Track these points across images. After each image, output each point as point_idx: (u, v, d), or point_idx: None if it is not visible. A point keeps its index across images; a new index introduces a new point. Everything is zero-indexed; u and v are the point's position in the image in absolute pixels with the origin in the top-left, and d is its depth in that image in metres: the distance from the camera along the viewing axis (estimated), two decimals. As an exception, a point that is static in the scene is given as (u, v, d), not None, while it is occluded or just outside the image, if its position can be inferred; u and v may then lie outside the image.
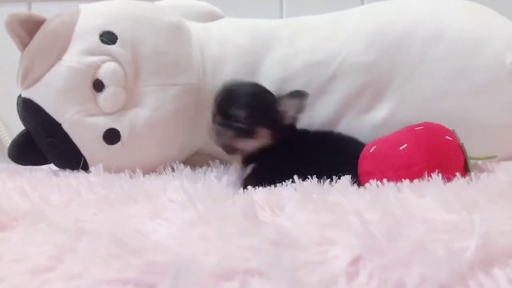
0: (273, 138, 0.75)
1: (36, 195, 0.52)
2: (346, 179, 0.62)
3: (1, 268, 0.30)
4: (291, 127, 0.78)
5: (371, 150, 0.68)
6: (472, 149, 0.71)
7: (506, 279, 0.24)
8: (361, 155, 0.70)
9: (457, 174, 0.63)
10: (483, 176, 0.59)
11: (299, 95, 0.76)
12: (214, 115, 0.75)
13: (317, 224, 0.33)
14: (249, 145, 0.74)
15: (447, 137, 0.67)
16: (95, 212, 0.45)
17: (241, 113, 0.72)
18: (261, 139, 0.74)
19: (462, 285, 0.24)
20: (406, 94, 0.91)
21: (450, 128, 0.70)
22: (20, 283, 0.28)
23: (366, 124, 0.93)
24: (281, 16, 1.32)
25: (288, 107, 0.75)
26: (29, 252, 0.31)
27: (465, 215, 0.31)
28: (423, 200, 0.38)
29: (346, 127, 0.94)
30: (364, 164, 0.69)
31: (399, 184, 0.49)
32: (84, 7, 0.94)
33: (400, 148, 0.65)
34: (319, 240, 0.30)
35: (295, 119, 0.78)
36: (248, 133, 0.73)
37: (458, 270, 0.24)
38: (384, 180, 0.54)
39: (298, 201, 0.44)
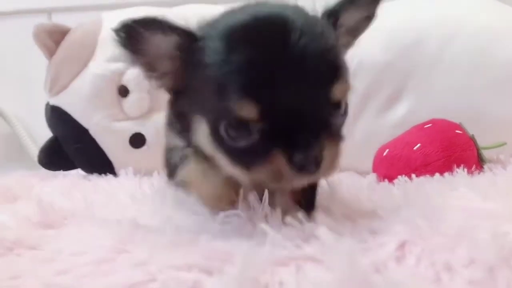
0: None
1: (78, 196, 0.54)
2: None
3: (63, 260, 0.32)
4: None
5: (384, 154, 0.70)
6: (491, 142, 0.73)
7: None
8: (375, 159, 0.71)
9: (473, 167, 0.64)
10: (499, 167, 0.61)
11: None
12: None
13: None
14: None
15: (457, 131, 0.68)
16: (136, 208, 0.47)
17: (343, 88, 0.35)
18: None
19: (508, 267, 0.25)
20: (424, 93, 0.92)
21: (457, 122, 0.70)
22: (85, 274, 0.30)
23: (385, 123, 0.94)
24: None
25: (344, 28, 0.40)
26: (88, 246, 0.33)
27: (501, 202, 0.32)
28: (457, 192, 0.40)
29: (365, 127, 0.95)
30: (380, 168, 0.70)
31: (427, 179, 0.50)
32: (106, 15, 0.97)
33: (415, 148, 0.66)
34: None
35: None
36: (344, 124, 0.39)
37: (503, 252, 0.26)
38: (413, 175, 0.55)
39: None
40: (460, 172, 0.58)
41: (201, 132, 0.35)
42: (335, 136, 0.34)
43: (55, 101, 0.91)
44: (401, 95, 0.93)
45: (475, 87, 0.90)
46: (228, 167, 0.35)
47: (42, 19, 1.34)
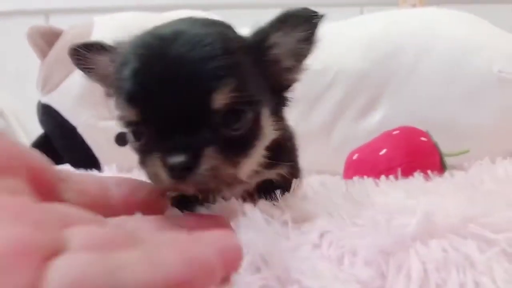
0: (278, 129, 0.41)
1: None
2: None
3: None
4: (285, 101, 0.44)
5: (354, 158, 0.74)
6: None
7: (440, 249, 0.30)
8: (345, 162, 0.75)
9: (435, 172, 0.67)
10: (460, 173, 0.65)
11: (303, 17, 0.39)
12: (141, 127, 0.36)
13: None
14: (255, 160, 0.39)
15: (422, 138, 0.72)
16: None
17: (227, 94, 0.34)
18: (267, 137, 0.39)
19: (402, 251, 0.29)
20: (400, 101, 0.97)
21: (424, 130, 0.74)
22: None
23: (361, 129, 0.98)
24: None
25: (283, 50, 0.40)
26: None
27: (423, 200, 0.36)
28: (393, 191, 0.44)
29: (342, 132, 1.00)
30: (348, 170, 0.74)
31: (374, 181, 0.54)
32: (97, 19, 1.01)
33: (380, 153, 0.70)
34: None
35: (295, 76, 0.43)
36: (255, 133, 0.37)
37: (400, 240, 0.30)
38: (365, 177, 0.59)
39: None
40: (416, 176, 0.62)
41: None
42: (227, 147, 0.34)
43: (47, 100, 0.96)
44: (377, 103, 0.98)
45: (447, 97, 0.94)
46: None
47: (39, 20, 1.39)
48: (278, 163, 0.41)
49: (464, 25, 1.02)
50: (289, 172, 0.46)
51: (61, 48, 0.97)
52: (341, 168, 0.83)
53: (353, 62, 1.00)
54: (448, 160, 0.76)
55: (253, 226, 0.32)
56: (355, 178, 0.58)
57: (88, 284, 0.20)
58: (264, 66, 0.38)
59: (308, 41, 0.39)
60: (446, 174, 0.70)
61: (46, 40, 0.96)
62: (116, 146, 0.93)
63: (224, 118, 0.33)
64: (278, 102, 0.42)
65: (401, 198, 0.39)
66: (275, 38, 0.38)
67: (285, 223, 0.35)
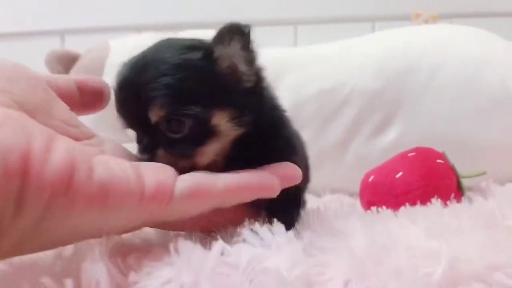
0: (244, 124, 0.47)
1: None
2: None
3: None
4: (261, 96, 0.49)
5: (370, 180, 0.73)
6: (476, 169, 0.76)
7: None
8: (361, 184, 0.75)
9: (452, 196, 0.67)
10: (478, 197, 0.64)
11: (235, 30, 0.44)
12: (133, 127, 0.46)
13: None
14: (210, 153, 0.46)
15: (438, 160, 0.71)
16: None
17: (171, 103, 0.43)
18: (224, 134, 0.46)
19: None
20: (413, 119, 0.97)
21: (440, 150, 0.74)
22: None
23: (375, 147, 0.99)
24: (295, 44, 1.40)
25: (232, 58, 0.45)
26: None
27: (442, 242, 0.36)
28: (413, 227, 0.44)
29: (356, 151, 1.00)
30: (364, 193, 0.74)
31: (395, 215, 0.54)
32: (113, 43, 1.03)
33: (396, 176, 0.69)
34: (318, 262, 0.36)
35: (256, 76, 0.48)
36: (203, 133, 0.45)
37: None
38: (383, 207, 0.59)
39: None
40: (434, 204, 0.62)
41: None
42: (173, 146, 0.44)
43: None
44: (391, 121, 0.98)
45: (461, 114, 0.94)
46: None
47: (55, 40, 1.42)
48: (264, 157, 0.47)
49: (477, 41, 1.02)
50: None
51: (77, 72, 0.98)
52: (355, 186, 0.83)
53: (366, 80, 1.00)
54: (465, 181, 0.75)
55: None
56: (373, 209, 0.58)
57: None
58: (218, 75, 0.45)
59: (247, 48, 0.45)
60: (464, 200, 0.70)
61: (63, 65, 0.98)
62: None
63: (167, 126, 0.44)
64: (247, 101, 0.47)
65: (422, 237, 0.39)
66: (219, 51, 0.45)
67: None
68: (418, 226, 0.45)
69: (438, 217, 0.52)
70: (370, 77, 0.99)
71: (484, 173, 0.79)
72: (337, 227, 0.46)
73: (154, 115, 0.43)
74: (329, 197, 0.97)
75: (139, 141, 0.46)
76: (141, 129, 0.45)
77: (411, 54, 1.00)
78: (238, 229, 0.39)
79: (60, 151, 0.31)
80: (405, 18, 1.30)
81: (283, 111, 0.55)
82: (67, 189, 0.30)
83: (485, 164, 0.84)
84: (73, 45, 1.40)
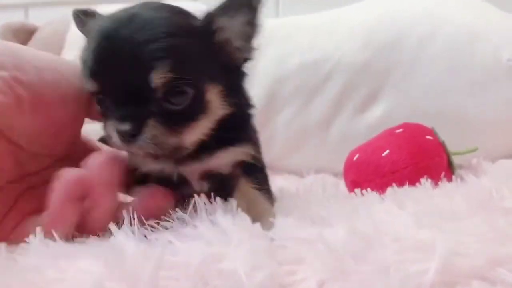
0: (231, 104, 0.44)
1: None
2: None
3: None
4: (245, 77, 0.47)
5: (354, 158, 0.68)
6: (468, 146, 0.71)
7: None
8: (345, 164, 0.70)
9: (442, 174, 0.62)
10: (470, 175, 0.59)
11: (244, 2, 0.42)
12: (100, 96, 0.42)
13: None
14: (199, 131, 0.42)
15: (427, 137, 0.66)
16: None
17: (168, 71, 0.38)
18: (214, 112, 0.43)
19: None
20: (402, 93, 0.91)
21: (430, 126, 0.69)
22: None
23: (361, 124, 0.93)
24: (277, 16, 1.32)
25: (232, 31, 0.43)
26: None
27: (435, 231, 0.31)
28: (401, 213, 0.38)
29: (341, 127, 0.94)
30: (349, 172, 0.69)
31: (382, 198, 0.49)
32: (76, 13, 0.94)
33: (383, 154, 0.64)
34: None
35: (247, 54, 0.45)
36: (198, 108, 0.41)
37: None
38: (368, 190, 0.54)
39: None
40: (424, 184, 0.56)
41: None
42: (168, 119, 0.39)
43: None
44: (378, 95, 0.92)
45: (452, 88, 0.88)
46: None
47: (19, 14, 1.32)
48: (236, 140, 0.46)
49: (470, 10, 0.95)
50: (257, 152, 0.50)
51: (36, 46, 0.90)
52: (340, 165, 0.77)
53: (352, 51, 0.93)
54: (455, 158, 0.70)
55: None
56: (357, 192, 0.53)
57: None
58: (214, 47, 0.42)
59: (251, 23, 0.43)
60: (456, 179, 0.65)
61: (19, 38, 0.89)
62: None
63: (164, 94, 0.39)
64: (233, 79, 0.45)
65: (412, 225, 0.33)
66: (221, 22, 0.42)
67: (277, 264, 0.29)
68: (406, 211, 0.40)
69: (429, 199, 0.47)
70: (356, 49, 0.93)
71: (475, 149, 0.74)
72: (315, 213, 0.40)
73: (157, 78, 0.38)
74: (312, 177, 0.91)
75: (115, 109, 0.39)
76: (127, 94, 0.39)
77: (400, 24, 0.93)
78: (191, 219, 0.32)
79: None
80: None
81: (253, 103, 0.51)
82: None
83: (476, 140, 0.79)
84: (37, 18, 1.31)
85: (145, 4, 0.43)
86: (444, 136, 0.68)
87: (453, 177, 0.67)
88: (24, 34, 0.90)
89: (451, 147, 0.68)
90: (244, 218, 0.33)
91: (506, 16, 0.96)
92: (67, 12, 0.98)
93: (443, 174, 0.66)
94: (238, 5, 0.42)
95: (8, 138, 0.40)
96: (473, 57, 0.89)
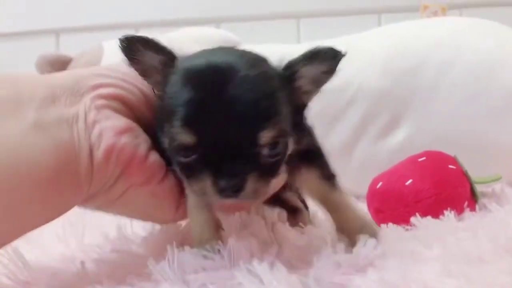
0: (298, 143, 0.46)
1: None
2: None
3: None
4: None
5: (377, 186, 0.69)
6: (488, 172, 0.72)
7: None
8: (368, 191, 0.71)
9: (465, 204, 0.63)
10: (493, 204, 0.60)
11: (330, 55, 0.44)
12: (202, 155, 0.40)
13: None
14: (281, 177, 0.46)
15: (450, 166, 0.67)
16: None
17: (272, 128, 0.39)
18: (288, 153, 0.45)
19: None
20: (423, 119, 0.92)
21: (453, 154, 0.69)
22: None
23: (383, 149, 0.94)
24: (298, 41, 1.34)
25: (307, 78, 0.45)
26: None
27: (462, 281, 0.33)
28: (427, 258, 0.40)
29: (363, 152, 0.95)
30: (372, 200, 0.70)
31: (406, 233, 0.50)
32: (106, 44, 0.99)
33: (406, 183, 0.65)
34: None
35: (311, 97, 0.47)
36: (284, 155, 0.43)
37: None
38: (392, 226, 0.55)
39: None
40: (447, 216, 0.58)
41: (165, 143, 0.42)
42: (264, 170, 0.40)
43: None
44: (399, 121, 0.93)
45: (473, 114, 0.89)
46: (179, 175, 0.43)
47: (50, 40, 1.37)
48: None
49: (490, 35, 0.96)
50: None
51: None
52: (362, 188, 0.78)
53: (373, 78, 0.95)
54: (478, 186, 0.71)
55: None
56: (383, 226, 0.54)
57: None
58: (290, 94, 0.43)
59: (329, 73, 0.45)
60: (479, 208, 0.66)
61: (55, 69, 0.94)
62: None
63: (272, 148, 0.40)
64: (297, 120, 0.45)
65: (440, 273, 0.35)
66: (304, 71, 0.43)
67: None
68: (433, 253, 0.41)
69: (453, 234, 0.48)
70: (376, 75, 0.94)
71: (499, 178, 0.75)
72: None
73: (266, 137, 0.39)
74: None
75: (213, 163, 0.39)
76: (229, 150, 0.38)
77: (420, 50, 0.94)
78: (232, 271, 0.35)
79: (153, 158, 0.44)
80: (413, 10, 1.25)
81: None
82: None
83: (497, 166, 0.79)
84: (68, 44, 1.36)
85: (230, 52, 0.44)
86: (465, 162, 0.69)
87: (477, 206, 0.68)
88: (60, 65, 0.94)
89: (472, 173, 0.69)
90: (280, 269, 0.35)
91: (526, 41, 0.97)
92: (98, 38, 1.03)
93: (466, 203, 0.67)
94: (324, 57, 0.43)
95: None
96: (493, 83, 0.90)
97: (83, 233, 0.53)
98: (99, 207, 0.45)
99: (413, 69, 0.92)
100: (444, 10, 1.14)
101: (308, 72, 0.43)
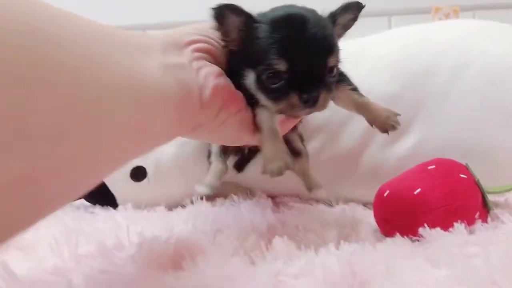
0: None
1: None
2: None
3: None
4: None
5: (385, 195, 0.67)
6: (501, 182, 0.69)
7: None
8: (375, 199, 0.68)
9: (477, 214, 0.61)
10: (506, 214, 0.57)
11: (357, 6, 0.60)
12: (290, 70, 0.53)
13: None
14: None
15: (461, 175, 0.64)
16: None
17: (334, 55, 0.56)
18: None
19: None
20: (433, 126, 0.89)
21: (464, 163, 0.67)
22: None
23: (391, 155, 0.91)
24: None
25: (339, 25, 0.61)
26: None
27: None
28: (433, 279, 0.37)
29: (371, 159, 0.93)
30: (379, 210, 0.67)
31: (413, 248, 0.48)
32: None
33: (415, 192, 0.63)
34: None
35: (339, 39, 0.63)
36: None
37: None
38: (399, 237, 0.53)
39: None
40: (458, 228, 0.55)
41: (250, 80, 0.56)
42: (328, 88, 0.56)
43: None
44: (408, 127, 0.90)
45: (486, 120, 0.86)
46: (264, 101, 0.56)
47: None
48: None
49: (503, 38, 0.93)
50: None
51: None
52: (369, 196, 0.76)
53: (381, 83, 0.92)
54: (490, 195, 0.68)
55: None
56: (388, 241, 0.52)
57: None
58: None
59: (354, 19, 0.62)
60: (491, 220, 0.63)
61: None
62: (132, 182, 0.89)
63: (332, 71, 0.56)
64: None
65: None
66: (340, 19, 0.59)
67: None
68: (440, 272, 0.39)
69: (463, 247, 0.46)
70: (385, 80, 0.92)
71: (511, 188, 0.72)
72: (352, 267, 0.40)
73: (332, 62, 0.55)
74: (341, 207, 0.91)
75: (301, 83, 0.53)
76: (310, 72, 0.54)
77: (431, 54, 0.91)
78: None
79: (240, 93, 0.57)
80: (424, 12, 1.22)
81: None
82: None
83: (510, 174, 0.76)
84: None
85: (296, 6, 0.58)
86: (477, 170, 0.67)
87: (488, 216, 0.65)
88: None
89: (484, 181, 0.66)
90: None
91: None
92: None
93: (477, 214, 0.65)
94: (352, 8, 0.59)
95: None
96: (507, 89, 0.87)
97: (76, 243, 0.52)
98: (203, 135, 0.59)
99: (423, 74, 0.90)
100: (456, 12, 1.11)
101: (342, 19, 0.59)
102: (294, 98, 0.54)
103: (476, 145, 0.85)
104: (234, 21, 0.54)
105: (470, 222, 0.61)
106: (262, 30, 0.54)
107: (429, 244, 0.50)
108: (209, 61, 0.54)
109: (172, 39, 0.52)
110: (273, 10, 0.58)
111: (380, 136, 0.91)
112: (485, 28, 0.96)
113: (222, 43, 0.56)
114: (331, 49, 0.55)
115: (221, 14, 0.53)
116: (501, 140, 0.84)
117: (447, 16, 1.12)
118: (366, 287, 0.37)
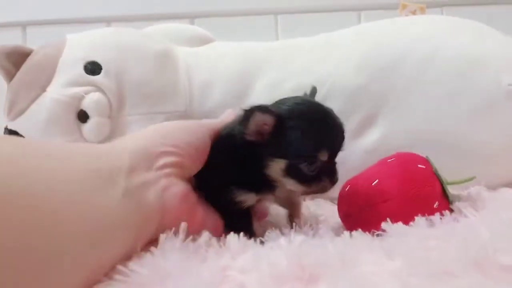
0: None
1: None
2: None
3: None
4: None
5: (346, 189, 0.66)
6: (466, 174, 0.68)
7: None
8: (338, 196, 0.68)
9: (436, 204, 0.60)
10: (466, 213, 0.57)
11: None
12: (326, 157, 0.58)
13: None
14: None
15: (419, 165, 0.63)
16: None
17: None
18: None
19: None
20: (399, 118, 0.89)
21: (425, 155, 0.66)
22: None
23: (357, 149, 0.90)
24: (276, 38, 1.31)
25: None
26: None
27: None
28: (388, 270, 0.36)
29: (337, 152, 0.92)
30: (342, 205, 0.67)
31: (372, 241, 0.46)
32: (70, 37, 0.93)
33: (373, 184, 0.62)
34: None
35: None
36: None
37: None
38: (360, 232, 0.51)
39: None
40: (418, 221, 0.54)
41: (276, 167, 0.58)
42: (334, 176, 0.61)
43: (13, 126, 0.88)
44: (375, 119, 0.90)
45: (452, 113, 0.86)
46: (291, 185, 0.59)
47: (16, 33, 1.32)
48: None
49: (470, 33, 0.93)
50: None
51: (28, 69, 0.88)
52: (335, 192, 0.75)
53: (347, 75, 0.91)
54: (455, 187, 0.68)
55: None
56: (346, 234, 0.51)
57: None
58: None
59: None
60: (454, 212, 0.63)
61: (12, 61, 0.88)
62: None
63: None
64: None
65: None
66: None
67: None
68: (395, 264, 0.38)
69: (422, 246, 0.44)
70: (351, 72, 0.91)
71: (472, 179, 0.71)
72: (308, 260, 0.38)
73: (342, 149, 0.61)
74: (307, 203, 0.89)
75: (330, 166, 0.59)
76: (329, 159, 0.58)
77: (398, 47, 0.91)
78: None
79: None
80: (393, 7, 1.22)
81: None
82: None
83: (476, 167, 0.76)
84: (35, 37, 1.31)
85: (310, 100, 0.64)
86: (441, 163, 0.66)
87: (450, 207, 0.65)
88: (18, 57, 0.88)
89: (449, 174, 0.65)
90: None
91: (507, 40, 0.94)
92: (66, 31, 0.98)
93: (436, 203, 0.64)
94: None
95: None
96: (473, 82, 0.87)
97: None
98: None
99: (390, 66, 0.89)
100: (423, 10, 1.11)
101: None
102: (327, 182, 0.59)
103: (443, 137, 0.85)
104: (265, 119, 0.56)
105: (428, 211, 0.60)
106: (296, 125, 0.57)
107: (388, 237, 0.49)
108: (179, 175, 0.54)
109: (142, 150, 0.51)
110: (284, 103, 0.60)
111: (346, 130, 0.90)
112: (452, 22, 0.97)
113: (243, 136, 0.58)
114: (344, 138, 0.61)
115: (252, 115, 0.55)
116: (466, 131, 0.84)
117: (413, 13, 1.12)
118: (318, 280, 0.35)
